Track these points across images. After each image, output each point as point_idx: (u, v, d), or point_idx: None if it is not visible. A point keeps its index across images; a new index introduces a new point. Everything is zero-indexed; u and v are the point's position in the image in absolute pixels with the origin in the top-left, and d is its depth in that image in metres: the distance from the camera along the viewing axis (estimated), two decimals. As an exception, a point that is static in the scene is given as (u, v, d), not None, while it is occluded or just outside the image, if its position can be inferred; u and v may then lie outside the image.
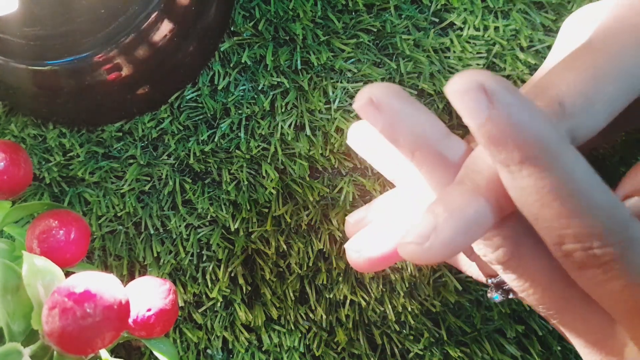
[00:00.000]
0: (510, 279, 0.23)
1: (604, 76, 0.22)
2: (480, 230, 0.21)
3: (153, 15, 0.34)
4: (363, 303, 0.34)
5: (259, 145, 0.37)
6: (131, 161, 0.37)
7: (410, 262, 0.21)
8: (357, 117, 0.36)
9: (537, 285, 0.22)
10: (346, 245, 0.26)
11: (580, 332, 0.23)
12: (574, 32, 0.28)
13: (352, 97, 0.37)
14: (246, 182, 0.36)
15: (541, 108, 0.21)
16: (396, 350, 0.34)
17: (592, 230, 0.19)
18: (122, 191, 0.37)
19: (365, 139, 0.25)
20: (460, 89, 0.19)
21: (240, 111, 0.37)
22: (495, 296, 0.27)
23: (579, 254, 0.20)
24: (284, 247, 0.35)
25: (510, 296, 0.26)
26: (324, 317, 0.35)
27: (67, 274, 0.26)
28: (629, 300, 0.20)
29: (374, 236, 0.26)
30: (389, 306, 0.34)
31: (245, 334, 0.35)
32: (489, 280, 0.27)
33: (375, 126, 0.22)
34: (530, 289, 0.22)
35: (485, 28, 0.37)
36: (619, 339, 0.22)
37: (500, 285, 0.27)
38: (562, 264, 0.21)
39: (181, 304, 0.35)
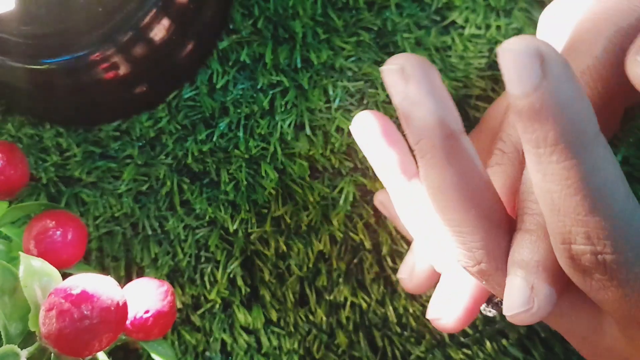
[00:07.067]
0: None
1: None
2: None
3: (151, 14, 0.34)
4: (364, 305, 0.34)
5: (258, 145, 0.36)
6: (128, 161, 0.37)
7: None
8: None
9: None
10: (430, 316, 0.28)
11: (570, 333, 0.24)
12: (551, 27, 0.28)
13: (352, 96, 0.37)
14: (245, 183, 0.36)
15: None
16: (397, 352, 0.34)
17: (608, 232, 0.19)
18: (119, 191, 0.37)
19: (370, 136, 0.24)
20: (516, 49, 0.17)
21: (239, 110, 0.37)
22: (490, 311, 0.27)
23: (587, 257, 0.19)
24: (284, 248, 0.35)
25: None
26: (324, 319, 0.34)
27: (65, 276, 0.25)
28: (629, 307, 0.20)
29: (450, 299, 0.27)
30: (390, 308, 0.34)
31: (245, 336, 0.35)
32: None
33: (394, 95, 0.20)
34: None
35: (487, 27, 0.37)
36: (605, 331, 0.23)
37: (490, 299, 0.27)
38: (565, 266, 0.21)
39: (179, 305, 0.35)
